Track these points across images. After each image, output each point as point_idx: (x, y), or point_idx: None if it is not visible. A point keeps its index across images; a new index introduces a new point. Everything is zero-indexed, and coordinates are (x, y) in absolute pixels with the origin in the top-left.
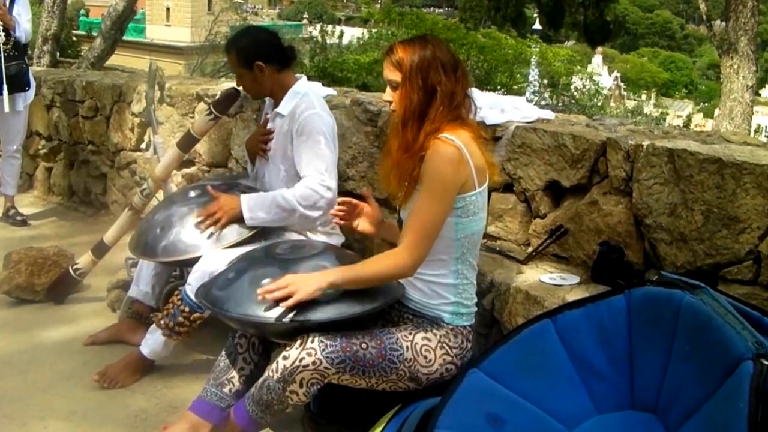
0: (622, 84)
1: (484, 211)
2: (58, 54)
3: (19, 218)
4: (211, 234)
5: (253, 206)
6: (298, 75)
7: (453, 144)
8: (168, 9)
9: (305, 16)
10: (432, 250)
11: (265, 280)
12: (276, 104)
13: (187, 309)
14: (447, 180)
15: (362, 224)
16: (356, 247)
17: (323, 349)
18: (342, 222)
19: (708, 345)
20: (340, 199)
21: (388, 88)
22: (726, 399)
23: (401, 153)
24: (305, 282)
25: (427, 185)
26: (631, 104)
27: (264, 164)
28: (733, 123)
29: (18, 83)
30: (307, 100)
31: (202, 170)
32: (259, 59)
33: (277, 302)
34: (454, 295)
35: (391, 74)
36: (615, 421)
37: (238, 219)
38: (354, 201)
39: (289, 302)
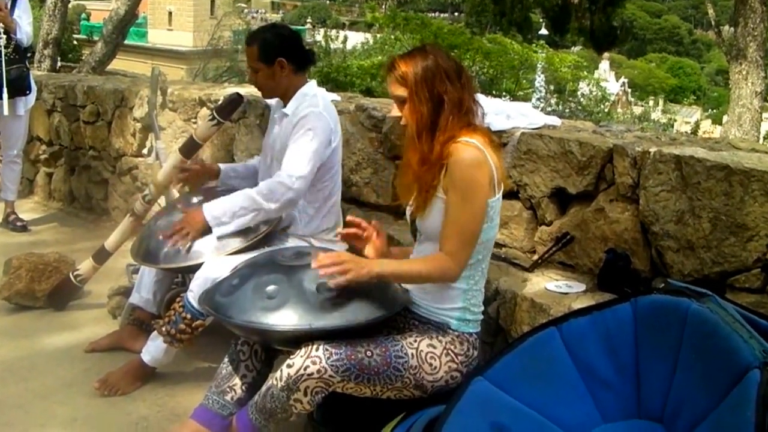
0: (629, 90)
1: (498, 217)
2: (59, 58)
3: (19, 224)
4: (182, 248)
5: (218, 213)
6: (309, 79)
7: (473, 145)
8: (170, 13)
9: (309, 20)
10: None
11: (270, 287)
12: (284, 106)
13: (188, 316)
14: (475, 180)
15: (368, 250)
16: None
17: (328, 357)
18: (345, 241)
19: (715, 353)
20: (349, 218)
21: (394, 105)
22: (733, 408)
23: (420, 166)
24: (359, 264)
25: (458, 191)
26: (638, 110)
27: (269, 165)
28: (742, 130)
29: (19, 87)
30: (312, 100)
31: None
32: (282, 55)
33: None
34: (462, 301)
35: (397, 90)
36: (621, 430)
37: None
38: (363, 224)
39: (341, 280)
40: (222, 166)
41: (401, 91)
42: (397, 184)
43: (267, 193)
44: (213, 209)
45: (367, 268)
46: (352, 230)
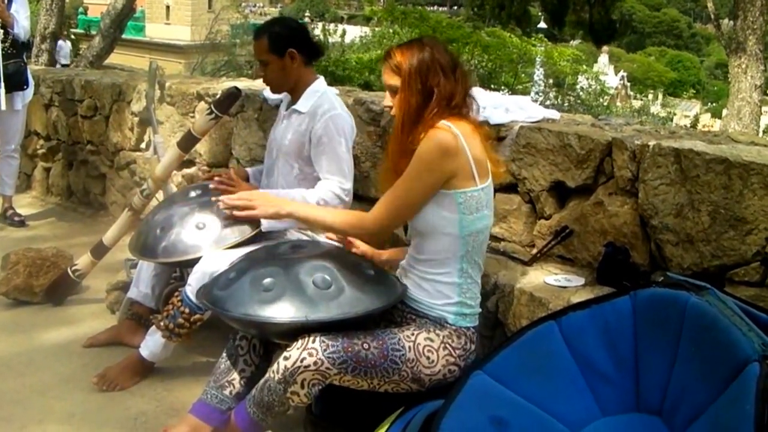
0: (628, 83)
1: (490, 210)
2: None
3: (17, 219)
4: (206, 229)
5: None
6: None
7: (449, 130)
8: (168, 7)
9: (307, 14)
10: (437, 248)
11: (267, 279)
12: (293, 101)
13: (187, 310)
14: (431, 161)
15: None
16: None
17: (325, 350)
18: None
19: (714, 347)
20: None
21: (387, 94)
22: (732, 401)
23: (398, 156)
24: (267, 202)
25: (412, 164)
26: (637, 104)
27: (274, 161)
28: (741, 123)
29: (16, 82)
30: (327, 99)
31: (203, 170)
32: (293, 46)
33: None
34: (458, 295)
35: (391, 79)
36: (620, 424)
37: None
38: (349, 242)
39: (243, 214)
40: (249, 169)
41: (395, 81)
42: (380, 173)
43: (323, 204)
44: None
45: (276, 206)
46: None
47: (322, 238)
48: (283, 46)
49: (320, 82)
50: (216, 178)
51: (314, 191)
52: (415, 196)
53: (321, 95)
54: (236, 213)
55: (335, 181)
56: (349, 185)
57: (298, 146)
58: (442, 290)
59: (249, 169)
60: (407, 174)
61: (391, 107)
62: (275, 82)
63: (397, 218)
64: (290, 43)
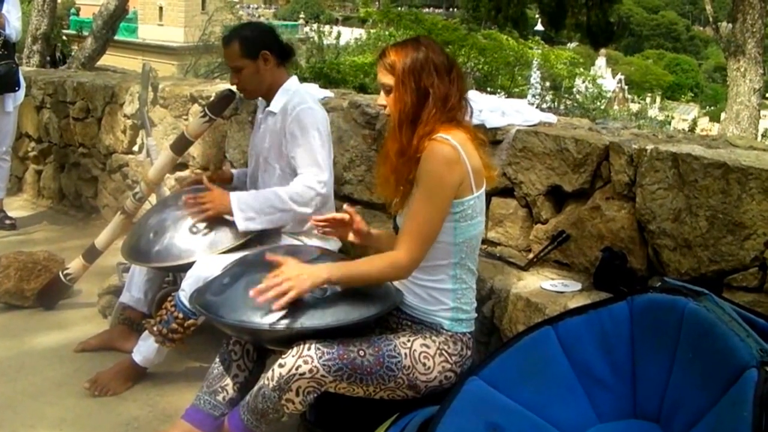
0: (626, 87)
1: (482, 215)
2: (48, 54)
3: (7, 222)
4: (200, 233)
5: (245, 207)
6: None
7: (448, 143)
8: (161, 8)
9: (302, 16)
10: (430, 255)
11: (261, 285)
12: (268, 104)
13: (180, 315)
14: (444, 180)
15: (351, 236)
16: (353, 252)
17: (320, 357)
18: (326, 234)
19: (712, 353)
20: (320, 218)
21: (382, 92)
22: (730, 407)
23: (398, 158)
24: (300, 279)
25: (423, 186)
26: (635, 107)
27: (256, 168)
28: (740, 127)
29: (7, 83)
30: (298, 95)
31: (196, 173)
32: (265, 48)
33: (271, 306)
34: (452, 301)
35: (385, 78)
36: (617, 430)
37: (225, 218)
38: (337, 216)
39: (283, 301)
40: (234, 171)
41: (388, 79)
42: (375, 175)
43: (298, 198)
44: (242, 198)
45: (311, 278)
46: (326, 222)
47: (316, 243)
48: (255, 49)
49: (291, 81)
50: (185, 197)
51: (288, 187)
52: (436, 219)
53: (293, 93)
54: (277, 304)
55: (311, 174)
56: (325, 177)
57: (277, 147)
58: (437, 296)
59: (234, 171)
60: (422, 199)
61: (384, 106)
62: (250, 87)
63: (427, 245)
64: (262, 45)
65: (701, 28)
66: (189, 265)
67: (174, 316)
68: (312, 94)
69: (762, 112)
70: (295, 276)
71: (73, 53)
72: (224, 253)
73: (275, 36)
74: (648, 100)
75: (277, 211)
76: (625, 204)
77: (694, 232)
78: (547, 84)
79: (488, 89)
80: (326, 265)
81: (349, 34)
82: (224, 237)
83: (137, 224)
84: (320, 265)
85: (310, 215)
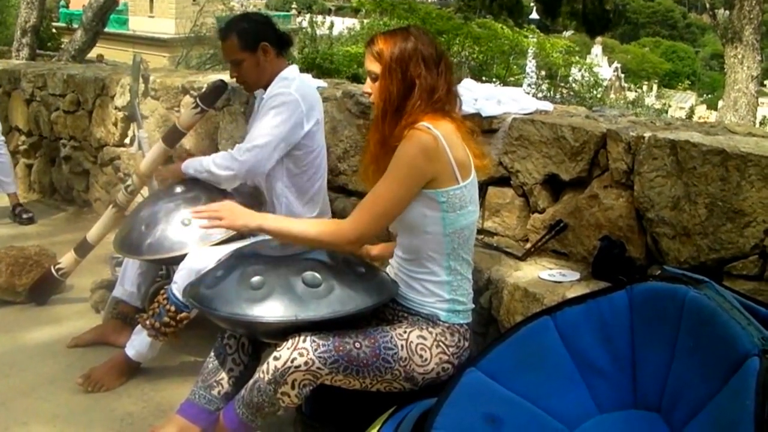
0: (622, 75)
1: (474, 205)
2: (36, 47)
3: (25, 216)
4: (192, 225)
5: (189, 163)
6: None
7: (429, 132)
8: (151, 0)
9: (294, 6)
10: (420, 246)
11: (255, 278)
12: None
13: (173, 308)
14: (413, 165)
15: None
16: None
17: (315, 349)
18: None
19: (713, 341)
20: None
21: (368, 79)
22: (732, 396)
23: (379, 148)
24: (235, 214)
25: (392, 166)
26: (631, 96)
27: None
28: (738, 114)
29: None
30: (286, 83)
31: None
32: (264, 39)
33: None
34: (448, 293)
35: (372, 65)
36: (617, 421)
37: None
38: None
39: (212, 224)
40: None
41: (375, 67)
42: (358, 164)
43: (220, 161)
44: (189, 163)
45: (245, 218)
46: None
47: None
48: (254, 42)
49: (290, 70)
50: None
51: (218, 153)
52: (394, 201)
53: (282, 80)
54: (202, 225)
55: (242, 144)
56: (248, 144)
57: None
58: (432, 288)
59: None
60: (386, 178)
61: (370, 93)
62: (251, 80)
63: (377, 224)
64: (261, 36)
65: (698, 16)
66: (181, 258)
67: (166, 309)
68: (306, 84)
69: (760, 100)
70: (230, 211)
71: (62, 46)
72: (217, 245)
73: (273, 26)
74: (645, 88)
75: (202, 172)
76: (623, 192)
77: (693, 220)
78: (543, 73)
79: (483, 78)
80: (265, 214)
81: (342, 24)
82: (217, 229)
83: (129, 217)
84: (260, 213)
85: (223, 178)
